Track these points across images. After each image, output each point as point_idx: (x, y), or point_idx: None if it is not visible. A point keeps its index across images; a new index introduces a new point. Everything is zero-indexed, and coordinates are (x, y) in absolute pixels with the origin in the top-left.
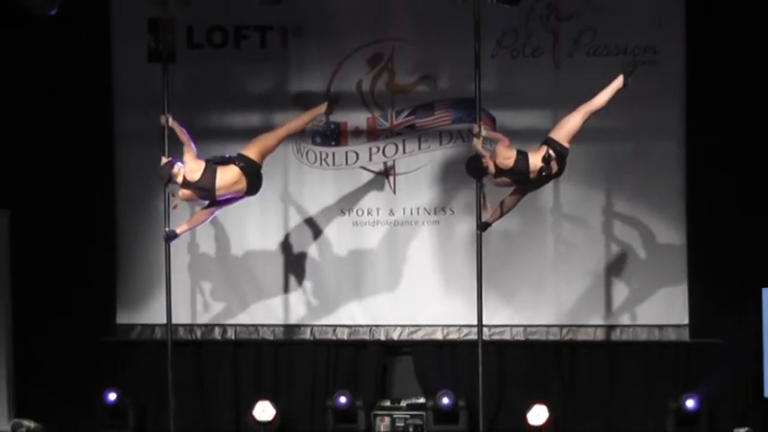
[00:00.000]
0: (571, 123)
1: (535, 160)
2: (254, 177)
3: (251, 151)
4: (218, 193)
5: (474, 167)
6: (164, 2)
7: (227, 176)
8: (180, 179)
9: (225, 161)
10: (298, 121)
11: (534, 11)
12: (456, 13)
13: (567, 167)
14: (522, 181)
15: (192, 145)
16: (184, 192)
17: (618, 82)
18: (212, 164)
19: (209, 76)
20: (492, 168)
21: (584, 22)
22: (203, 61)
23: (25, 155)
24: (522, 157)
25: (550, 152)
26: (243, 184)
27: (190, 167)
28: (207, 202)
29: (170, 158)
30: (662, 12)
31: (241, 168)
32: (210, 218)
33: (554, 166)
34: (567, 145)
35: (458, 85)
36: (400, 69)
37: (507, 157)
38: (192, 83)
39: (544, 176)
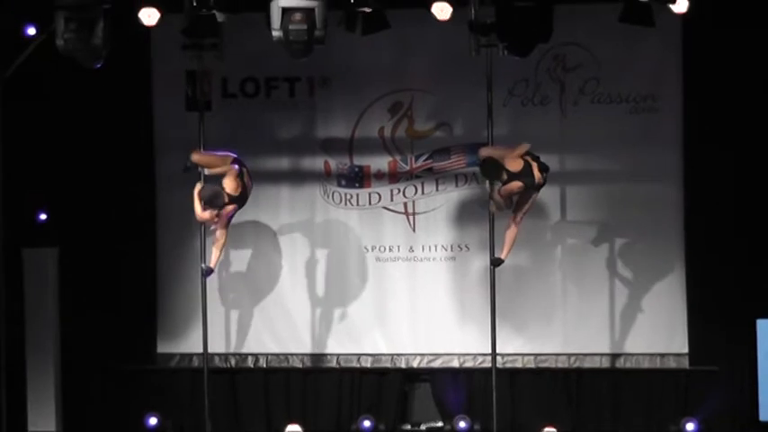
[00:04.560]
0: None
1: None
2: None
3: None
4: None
5: (490, 168)
6: (200, 55)
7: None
8: (226, 199)
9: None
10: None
11: (542, 62)
12: (470, 65)
13: (572, 207)
14: (529, 185)
15: (226, 156)
16: (227, 208)
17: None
18: (236, 167)
19: (243, 123)
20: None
21: (589, 73)
22: (237, 109)
23: (73, 196)
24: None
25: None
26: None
27: (230, 186)
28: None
29: (203, 185)
30: (660, 62)
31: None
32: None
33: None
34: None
35: (472, 131)
36: (419, 117)
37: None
38: (227, 129)
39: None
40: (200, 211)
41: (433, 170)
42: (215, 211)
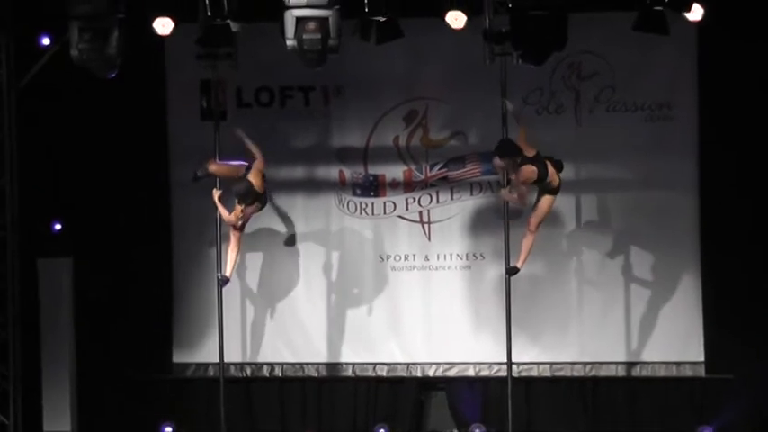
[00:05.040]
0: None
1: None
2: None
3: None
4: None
5: (506, 145)
6: (215, 65)
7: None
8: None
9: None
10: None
11: (557, 71)
12: (485, 74)
13: (588, 216)
14: (543, 175)
15: (240, 165)
16: (252, 207)
17: None
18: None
19: (258, 133)
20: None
21: (604, 81)
22: (252, 119)
23: (88, 205)
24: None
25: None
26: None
27: (257, 183)
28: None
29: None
30: (675, 70)
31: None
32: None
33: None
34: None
35: (487, 140)
36: (434, 126)
37: (531, 170)
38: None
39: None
40: (227, 214)
41: (447, 179)
42: (241, 209)
